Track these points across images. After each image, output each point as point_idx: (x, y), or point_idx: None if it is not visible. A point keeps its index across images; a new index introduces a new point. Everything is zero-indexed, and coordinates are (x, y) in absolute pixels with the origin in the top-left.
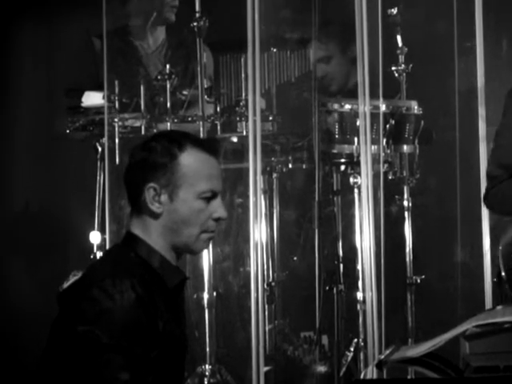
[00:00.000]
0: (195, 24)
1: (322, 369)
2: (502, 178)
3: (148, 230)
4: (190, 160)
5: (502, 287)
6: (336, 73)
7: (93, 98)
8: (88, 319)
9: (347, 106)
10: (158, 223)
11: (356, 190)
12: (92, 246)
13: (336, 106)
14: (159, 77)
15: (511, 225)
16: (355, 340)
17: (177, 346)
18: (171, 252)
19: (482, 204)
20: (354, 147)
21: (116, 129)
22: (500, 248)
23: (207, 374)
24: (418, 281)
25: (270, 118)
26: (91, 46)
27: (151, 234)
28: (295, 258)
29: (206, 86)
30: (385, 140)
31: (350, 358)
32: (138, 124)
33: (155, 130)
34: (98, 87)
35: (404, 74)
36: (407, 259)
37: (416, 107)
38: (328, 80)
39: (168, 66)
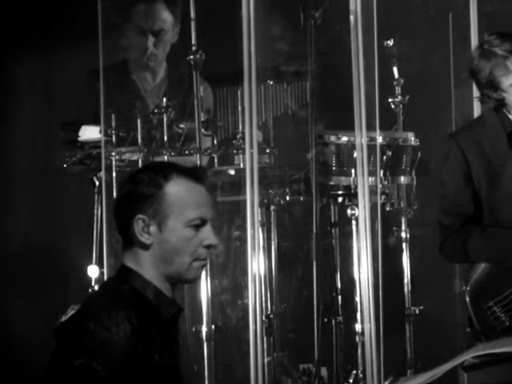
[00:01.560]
0: (191, 57)
1: None
2: (455, 227)
3: (140, 261)
4: (176, 189)
5: (475, 332)
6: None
7: (90, 132)
8: (84, 352)
9: (344, 138)
10: (149, 254)
11: (354, 222)
12: (90, 279)
13: (333, 138)
14: (156, 110)
15: (478, 266)
16: (354, 372)
17: (173, 378)
18: (165, 283)
19: None
20: (352, 179)
21: (113, 162)
22: (467, 289)
23: None
24: (417, 312)
25: (267, 151)
26: (91, 85)
27: (144, 266)
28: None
29: (203, 119)
30: (382, 172)
31: None
32: (135, 157)
33: None
34: (95, 121)
35: (400, 106)
36: (405, 290)
37: (413, 139)
38: (313, 120)
39: (165, 100)
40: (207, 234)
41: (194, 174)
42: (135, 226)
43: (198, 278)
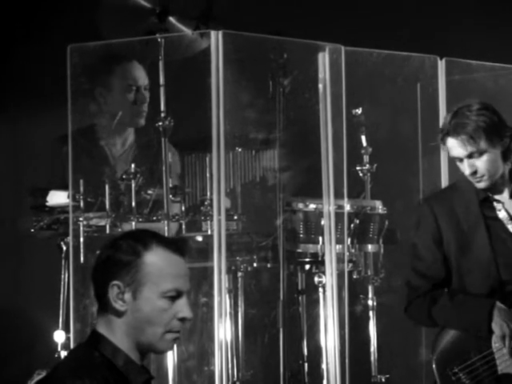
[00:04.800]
0: (160, 124)
1: None
2: (423, 290)
3: (113, 328)
4: (154, 259)
5: None
6: (290, 182)
7: (58, 197)
8: None
9: (312, 206)
10: (122, 321)
11: (321, 289)
12: (56, 345)
13: (301, 206)
14: (124, 176)
15: (444, 333)
16: None
17: None
18: (136, 351)
19: None
20: (319, 246)
21: (81, 228)
22: (434, 357)
23: None
24: (383, 380)
25: (235, 218)
26: (58, 151)
27: (116, 333)
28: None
29: (171, 185)
30: (349, 239)
31: None
32: (102, 223)
33: (120, 230)
34: (63, 187)
35: (368, 174)
36: (372, 358)
37: (380, 207)
38: (281, 188)
39: (133, 166)
40: (182, 307)
41: (174, 245)
42: (110, 291)
43: (169, 350)
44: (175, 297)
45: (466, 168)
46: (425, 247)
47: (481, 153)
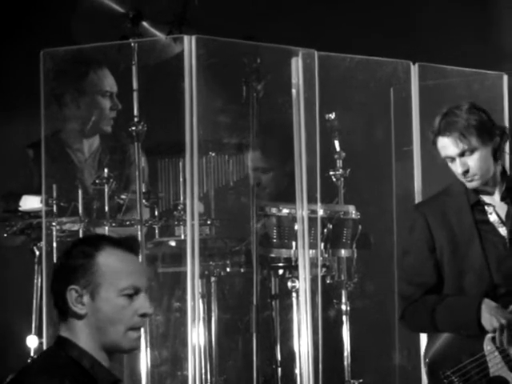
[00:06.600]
0: (133, 128)
1: None
2: (415, 297)
3: (76, 332)
4: (107, 258)
5: None
6: (271, 183)
7: (31, 202)
8: None
9: (285, 211)
10: (83, 324)
11: (294, 294)
12: (29, 350)
13: (274, 211)
14: (97, 181)
15: (436, 338)
16: None
17: None
18: (102, 353)
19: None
20: (292, 251)
21: (54, 232)
22: (426, 361)
23: None
24: None
25: (208, 222)
26: (25, 156)
27: (80, 337)
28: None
29: (144, 191)
30: (323, 244)
31: None
32: (75, 228)
33: None
34: (33, 193)
35: (342, 179)
36: (345, 363)
37: (354, 212)
38: (261, 188)
39: (106, 171)
40: (142, 303)
41: (125, 244)
42: (68, 296)
43: (135, 349)
44: (133, 294)
45: (457, 167)
46: (417, 255)
47: (472, 150)
